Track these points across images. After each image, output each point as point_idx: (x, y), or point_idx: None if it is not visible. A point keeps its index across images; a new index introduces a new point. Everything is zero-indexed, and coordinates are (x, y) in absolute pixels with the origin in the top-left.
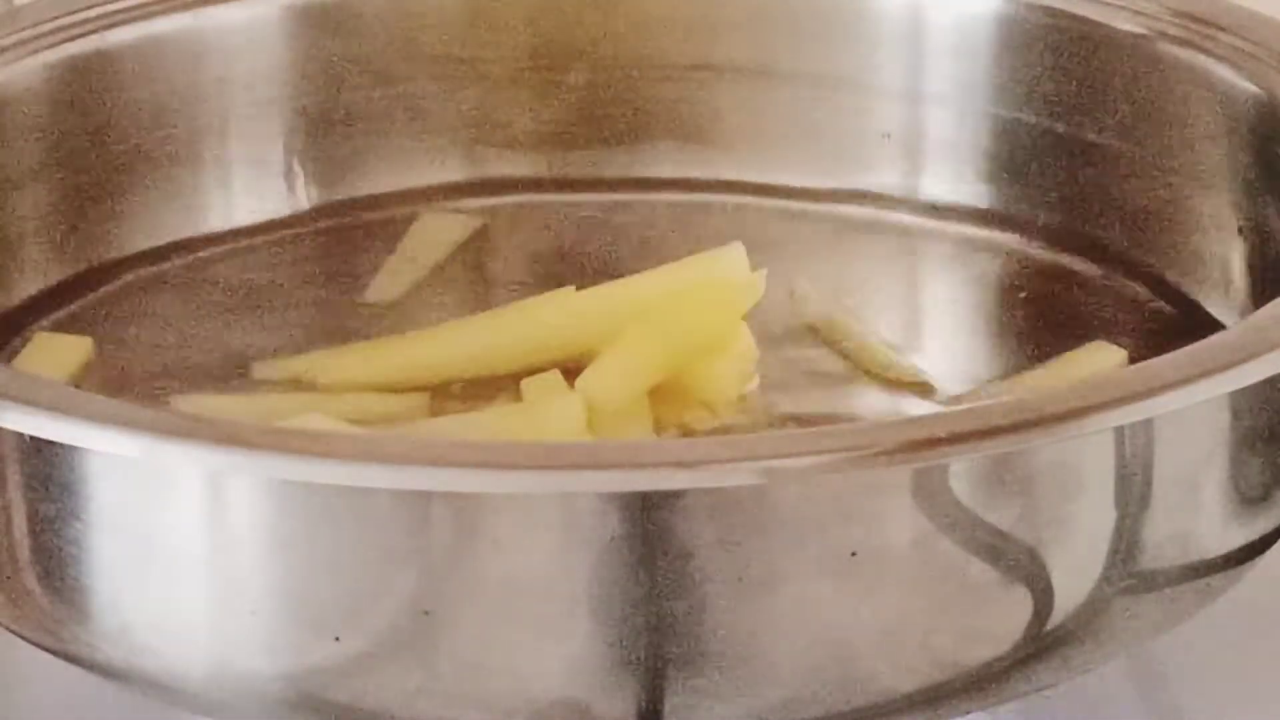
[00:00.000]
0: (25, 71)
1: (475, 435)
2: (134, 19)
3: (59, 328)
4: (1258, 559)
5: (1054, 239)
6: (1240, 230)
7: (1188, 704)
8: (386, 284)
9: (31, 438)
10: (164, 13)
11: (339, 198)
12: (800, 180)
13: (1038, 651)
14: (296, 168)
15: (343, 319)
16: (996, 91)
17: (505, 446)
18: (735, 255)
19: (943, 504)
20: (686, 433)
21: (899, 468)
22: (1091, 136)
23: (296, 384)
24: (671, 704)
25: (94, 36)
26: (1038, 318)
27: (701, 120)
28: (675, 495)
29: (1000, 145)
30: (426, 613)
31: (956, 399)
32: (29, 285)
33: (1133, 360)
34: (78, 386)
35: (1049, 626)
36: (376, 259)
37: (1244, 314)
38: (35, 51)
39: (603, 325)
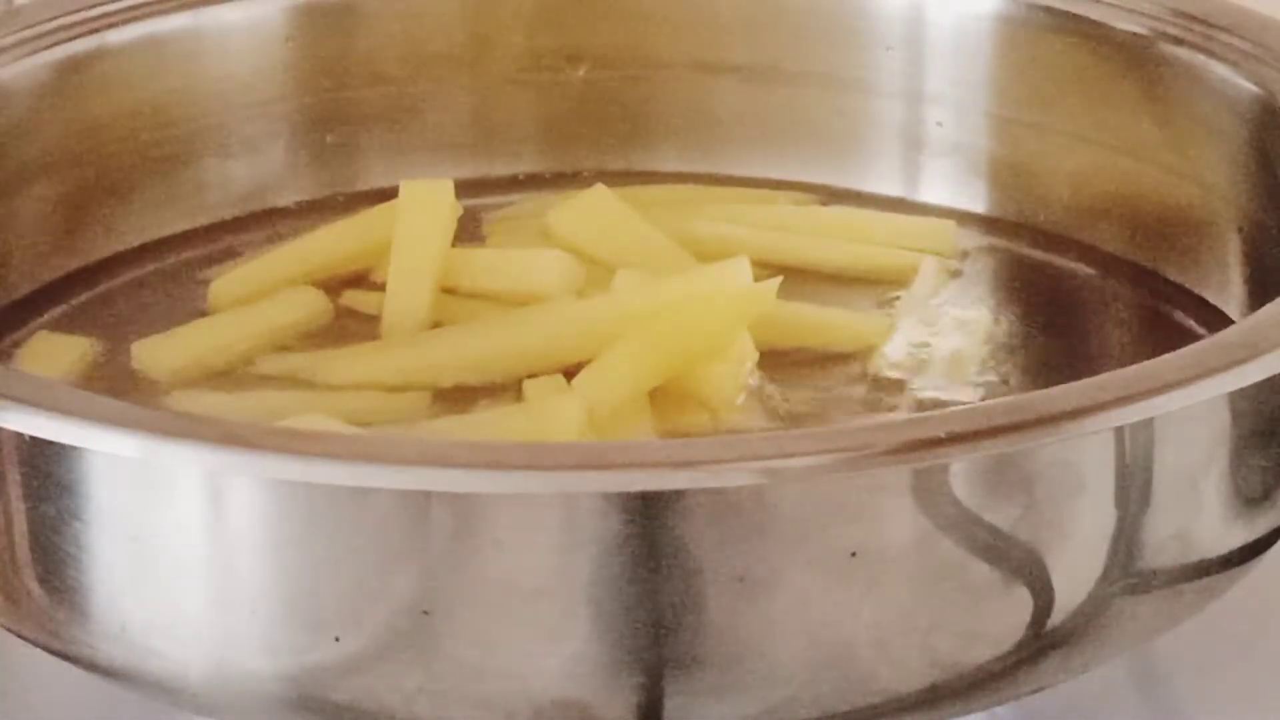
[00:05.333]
0: (25, 71)
1: (475, 435)
2: (134, 19)
3: (58, 325)
4: (1258, 559)
5: (1053, 239)
6: (1240, 230)
7: (1188, 704)
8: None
9: (31, 438)
10: (164, 13)
11: (339, 197)
12: (800, 180)
13: (1038, 651)
14: (296, 167)
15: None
16: (996, 91)
17: (505, 446)
18: (739, 268)
19: (943, 504)
20: (686, 433)
21: (899, 468)
22: (1091, 136)
23: (296, 384)
24: (671, 704)
25: (94, 36)
26: (1037, 318)
27: (701, 120)
28: (675, 495)
29: (1000, 145)
30: (426, 613)
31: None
32: (28, 283)
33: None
34: (78, 386)
35: (1049, 626)
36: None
37: (1244, 314)
38: (35, 51)
39: (604, 334)
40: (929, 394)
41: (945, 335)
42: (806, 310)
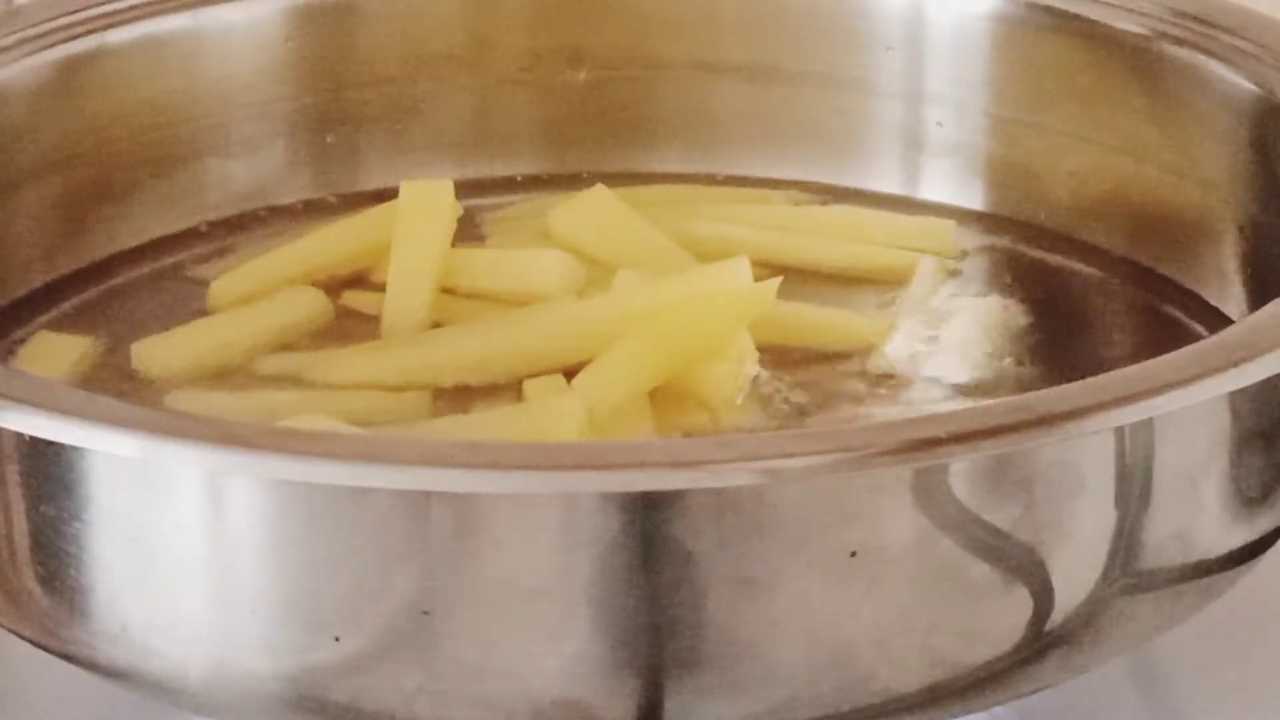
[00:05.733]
0: (25, 71)
1: (475, 435)
2: (134, 19)
3: (58, 325)
4: (1258, 559)
5: (1053, 238)
6: (1240, 230)
7: (1188, 704)
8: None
9: (31, 438)
10: (164, 13)
11: (338, 197)
12: (800, 179)
13: (1038, 651)
14: (296, 167)
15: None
16: (996, 91)
17: (505, 446)
18: (739, 268)
19: (943, 504)
20: (686, 433)
21: (899, 468)
22: (1091, 136)
23: (296, 384)
24: (671, 704)
25: (94, 36)
26: (1037, 317)
27: (701, 120)
28: (675, 495)
29: (1000, 145)
30: (426, 613)
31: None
32: (29, 282)
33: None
34: (78, 386)
35: (1049, 626)
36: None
37: (1244, 314)
38: (35, 51)
39: (604, 334)
40: (929, 393)
41: (946, 334)
42: (806, 310)
